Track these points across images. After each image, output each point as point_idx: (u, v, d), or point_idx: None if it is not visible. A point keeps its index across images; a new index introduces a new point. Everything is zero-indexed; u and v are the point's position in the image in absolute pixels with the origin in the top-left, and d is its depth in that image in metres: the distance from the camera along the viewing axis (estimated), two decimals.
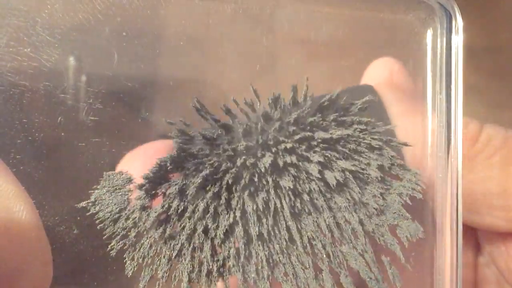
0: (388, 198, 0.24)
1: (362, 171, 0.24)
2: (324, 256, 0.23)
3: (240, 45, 0.25)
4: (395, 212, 0.23)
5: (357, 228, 0.23)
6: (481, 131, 0.26)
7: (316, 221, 0.23)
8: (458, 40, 0.24)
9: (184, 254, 0.23)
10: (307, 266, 0.23)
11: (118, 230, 0.23)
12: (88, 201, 0.23)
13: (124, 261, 0.22)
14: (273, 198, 0.23)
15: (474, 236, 0.29)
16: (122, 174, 0.23)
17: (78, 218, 0.23)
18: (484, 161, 0.25)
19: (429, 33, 0.25)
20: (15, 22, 0.23)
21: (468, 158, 0.25)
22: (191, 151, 0.23)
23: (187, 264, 0.22)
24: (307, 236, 0.23)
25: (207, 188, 0.23)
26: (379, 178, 0.24)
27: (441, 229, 0.24)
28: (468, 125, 0.26)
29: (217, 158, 0.23)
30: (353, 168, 0.23)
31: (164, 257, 0.23)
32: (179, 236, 0.23)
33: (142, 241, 0.23)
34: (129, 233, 0.23)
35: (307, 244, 0.23)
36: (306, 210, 0.23)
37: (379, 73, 0.26)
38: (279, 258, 0.23)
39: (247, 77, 0.25)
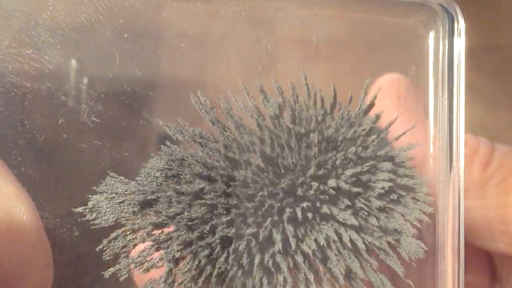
0: (394, 213, 0.23)
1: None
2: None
3: (242, 47, 0.25)
4: (396, 229, 0.23)
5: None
6: (492, 155, 0.26)
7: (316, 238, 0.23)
8: (460, 42, 0.24)
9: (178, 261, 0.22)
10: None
11: (114, 242, 0.22)
12: (85, 207, 0.23)
13: (117, 268, 0.22)
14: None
15: (490, 262, 0.29)
16: (124, 179, 0.23)
17: (79, 220, 0.23)
18: (497, 186, 0.25)
19: (431, 35, 0.25)
20: (17, 23, 0.23)
21: (480, 182, 0.25)
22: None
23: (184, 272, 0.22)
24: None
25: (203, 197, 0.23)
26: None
27: (442, 234, 0.24)
28: (478, 149, 0.26)
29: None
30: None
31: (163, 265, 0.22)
32: (175, 245, 0.22)
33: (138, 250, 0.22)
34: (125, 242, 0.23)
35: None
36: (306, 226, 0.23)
37: (386, 93, 0.26)
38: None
39: (248, 78, 0.25)
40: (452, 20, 0.25)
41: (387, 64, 0.26)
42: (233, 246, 0.22)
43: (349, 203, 0.23)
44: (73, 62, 0.24)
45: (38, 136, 0.23)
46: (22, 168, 0.23)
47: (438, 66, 0.25)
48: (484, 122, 0.66)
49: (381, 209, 0.23)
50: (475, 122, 0.64)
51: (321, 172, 0.22)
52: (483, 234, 0.26)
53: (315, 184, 0.22)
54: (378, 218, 0.23)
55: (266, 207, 0.22)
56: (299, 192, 0.22)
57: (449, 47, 0.24)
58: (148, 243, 0.22)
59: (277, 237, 0.22)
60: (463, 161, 0.24)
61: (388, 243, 0.23)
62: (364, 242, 0.23)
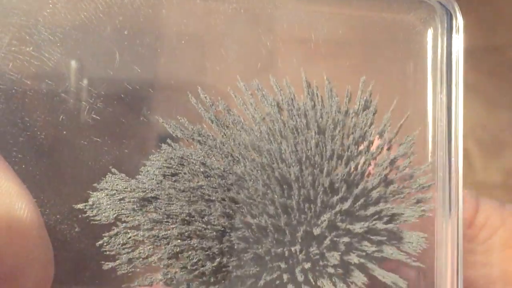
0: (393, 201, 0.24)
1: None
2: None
3: (241, 44, 0.25)
4: (395, 214, 0.23)
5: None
6: (477, 211, 0.26)
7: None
8: (459, 39, 0.24)
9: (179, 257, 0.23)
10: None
11: (115, 238, 0.23)
12: (86, 203, 0.23)
13: (118, 263, 0.23)
14: None
15: None
16: (124, 177, 0.23)
17: (80, 216, 0.23)
18: (483, 244, 0.25)
19: (430, 32, 0.25)
20: (17, 21, 0.23)
21: (466, 239, 0.25)
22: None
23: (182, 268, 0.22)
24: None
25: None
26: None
27: (441, 230, 0.24)
28: (463, 206, 0.26)
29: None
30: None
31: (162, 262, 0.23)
32: (174, 240, 0.23)
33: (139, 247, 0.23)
34: (126, 239, 0.23)
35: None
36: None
37: None
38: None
39: (247, 76, 0.25)
40: (450, 17, 0.25)
41: (385, 61, 0.26)
42: (228, 237, 0.22)
43: (345, 192, 0.23)
44: (73, 59, 0.24)
45: (39, 133, 0.23)
46: (23, 165, 0.23)
47: (436, 63, 0.25)
48: (484, 122, 0.66)
49: (380, 198, 0.23)
50: (476, 122, 0.64)
51: (316, 161, 0.23)
52: None
53: (310, 173, 0.22)
54: (377, 205, 0.23)
55: (260, 197, 0.22)
56: (293, 177, 0.22)
57: (448, 44, 0.25)
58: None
59: (271, 227, 0.22)
60: (461, 157, 0.24)
61: (389, 234, 0.23)
62: (361, 228, 0.23)
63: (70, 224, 0.23)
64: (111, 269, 0.23)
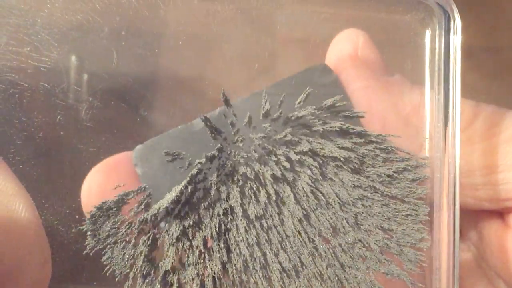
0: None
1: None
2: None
3: (240, 45, 0.25)
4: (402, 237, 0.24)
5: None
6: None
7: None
8: (456, 40, 0.24)
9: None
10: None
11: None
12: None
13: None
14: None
15: None
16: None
17: (77, 216, 0.23)
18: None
19: (428, 33, 0.25)
20: (15, 21, 0.23)
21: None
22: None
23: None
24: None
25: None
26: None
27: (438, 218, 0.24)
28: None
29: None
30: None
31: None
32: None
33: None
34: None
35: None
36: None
37: (342, 48, 0.25)
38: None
39: (246, 77, 0.25)
40: (448, 18, 0.25)
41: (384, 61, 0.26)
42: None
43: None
44: (71, 59, 0.24)
45: (36, 133, 0.23)
46: (20, 165, 0.23)
47: (434, 63, 0.25)
48: None
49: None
50: None
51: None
52: None
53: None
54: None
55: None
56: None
57: (445, 45, 0.25)
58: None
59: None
60: (458, 159, 0.24)
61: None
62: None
63: (67, 224, 0.23)
64: (108, 269, 0.23)
